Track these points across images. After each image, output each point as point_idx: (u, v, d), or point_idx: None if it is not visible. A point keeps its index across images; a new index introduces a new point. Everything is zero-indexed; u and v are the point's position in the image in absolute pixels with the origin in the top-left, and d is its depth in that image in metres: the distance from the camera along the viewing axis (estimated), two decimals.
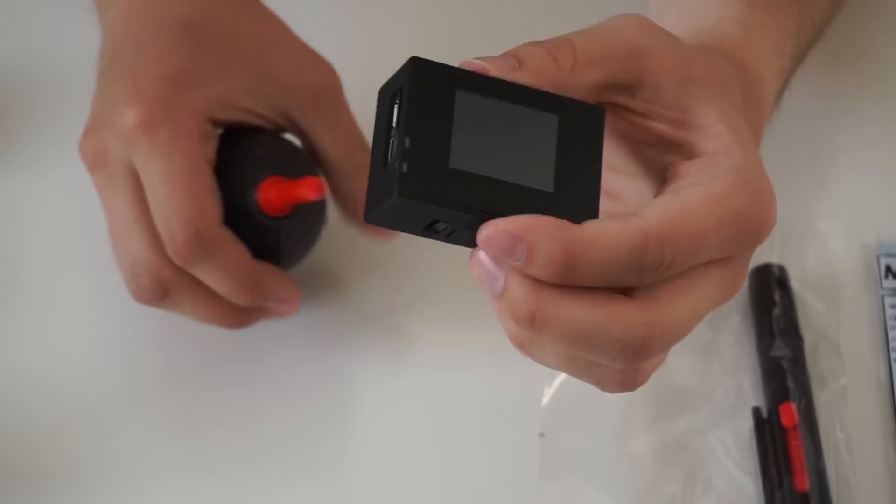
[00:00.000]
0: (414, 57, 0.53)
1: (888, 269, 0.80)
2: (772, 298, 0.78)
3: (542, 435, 0.75)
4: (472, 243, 0.54)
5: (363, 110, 0.74)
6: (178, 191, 0.70)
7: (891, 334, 0.78)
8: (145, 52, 0.72)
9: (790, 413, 0.73)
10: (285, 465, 0.76)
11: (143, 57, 0.72)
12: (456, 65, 0.54)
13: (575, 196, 0.54)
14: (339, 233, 0.79)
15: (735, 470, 0.74)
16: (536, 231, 0.52)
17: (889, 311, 0.78)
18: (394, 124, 0.53)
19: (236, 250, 0.72)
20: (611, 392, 0.57)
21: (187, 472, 0.76)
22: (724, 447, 0.75)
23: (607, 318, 0.53)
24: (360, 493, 0.75)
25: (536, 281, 0.53)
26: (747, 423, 0.75)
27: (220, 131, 0.74)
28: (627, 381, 0.56)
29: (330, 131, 0.76)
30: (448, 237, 0.54)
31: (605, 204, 0.63)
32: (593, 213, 0.55)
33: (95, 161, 0.72)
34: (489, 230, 0.52)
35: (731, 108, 0.59)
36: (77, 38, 0.78)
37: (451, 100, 0.53)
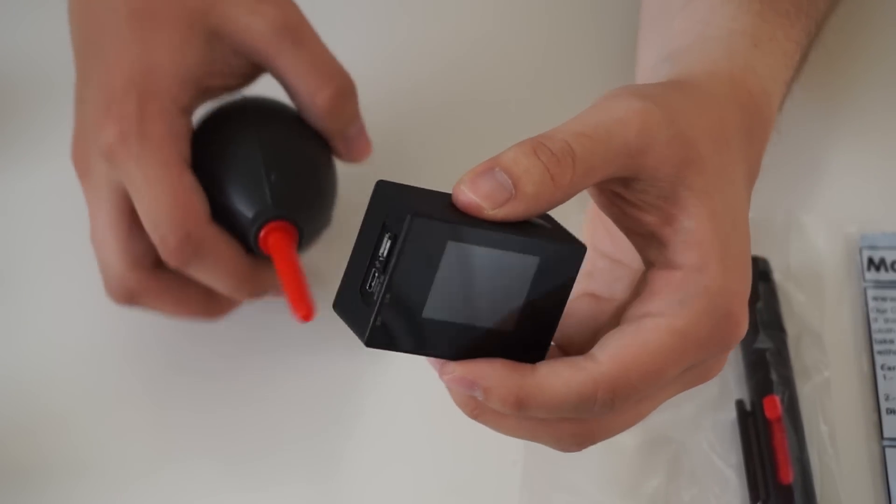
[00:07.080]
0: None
1: (870, 261, 0.80)
2: (755, 291, 0.78)
3: None
4: None
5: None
6: (160, 196, 0.71)
7: (873, 326, 0.78)
8: (106, 58, 0.73)
9: (774, 405, 0.74)
10: (269, 459, 0.76)
11: (105, 64, 0.73)
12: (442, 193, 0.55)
13: (532, 334, 0.57)
14: (335, 229, 0.78)
15: (719, 462, 0.74)
16: (490, 378, 0.55)
17: (871, 304, 0.79)
18: (381, 254, 0.53)
19: (229, 247, 0.73)
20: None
21: (180, 471, 0.76)
22: (707, 440, 0.75)
23: (542, 429, 0.57)
24: (338, 487, 0.75)
25: None
26: (731, 416, 0.75)
27: (193, 124, 0.74)
28: (570, 451, 0.59)
29: (294, 67, 0.74)
30: None
31: (605, 244, 0.64)
32: (541, 354, 0.57)
33: (81, 169, 0.74)
34: (449, 377, 0.56)
35: (723, 196, 0.58)
36: (63, 35, 0.77)
37: (441, 253, 0.53)
